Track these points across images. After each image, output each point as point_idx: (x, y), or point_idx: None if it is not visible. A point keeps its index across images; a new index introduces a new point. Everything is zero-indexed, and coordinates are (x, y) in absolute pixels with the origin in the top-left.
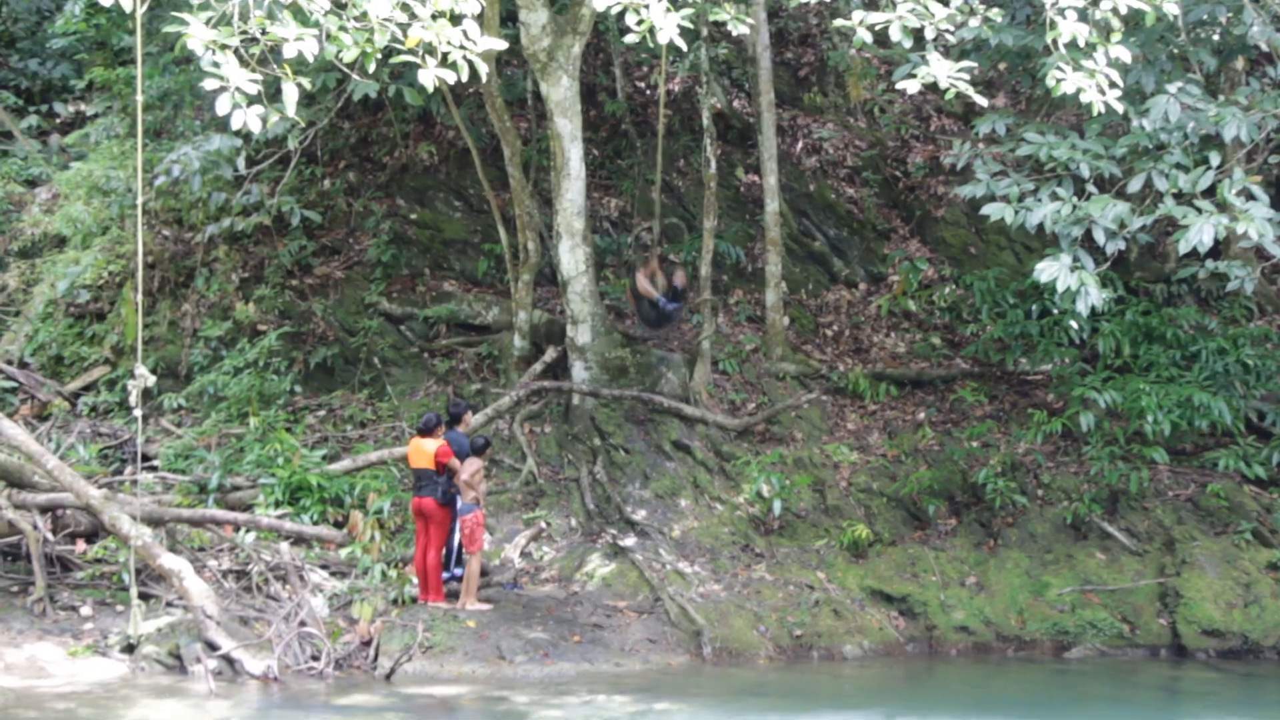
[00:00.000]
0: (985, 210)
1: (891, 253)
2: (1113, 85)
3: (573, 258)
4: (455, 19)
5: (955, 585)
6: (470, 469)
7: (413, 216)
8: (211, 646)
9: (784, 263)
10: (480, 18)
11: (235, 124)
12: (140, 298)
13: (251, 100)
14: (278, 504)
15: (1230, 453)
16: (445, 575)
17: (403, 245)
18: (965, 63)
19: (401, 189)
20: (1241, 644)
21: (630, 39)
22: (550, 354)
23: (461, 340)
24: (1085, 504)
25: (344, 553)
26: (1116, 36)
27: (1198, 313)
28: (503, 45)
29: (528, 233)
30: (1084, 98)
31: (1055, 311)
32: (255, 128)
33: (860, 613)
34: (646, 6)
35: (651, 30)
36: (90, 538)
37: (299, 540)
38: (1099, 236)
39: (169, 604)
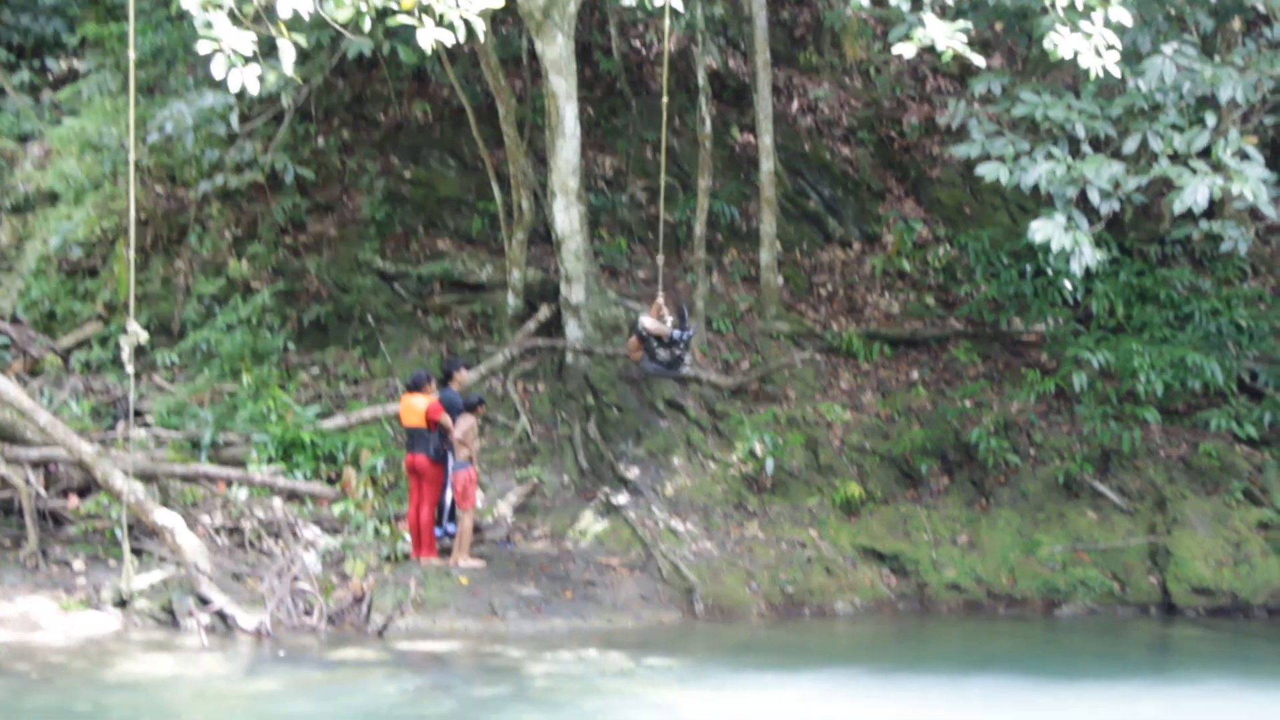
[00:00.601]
0: (980, 170)
1: (886, 213)
2: (1110, 48)
3: (567, 216)
4: None
5: (947, 543)
6: (463, 426)
7: (407, 174)
8: (204, 601)
9: (778, 222)
10: None
11: (233, 86)
12: (133, 254)
13: (247, 60)
14: (270, 460)
15: (1222, 412)
16: (438, 532)
17: (397, 203)
18: (962, 23)
19: (396, 147)
20: (1231, 602)
21: (626, 1)
22: (544, 312)
23: (455, 298)
24: (1077, 463)
25: (337, 509)
26: None
27: (1191, 273)
28: (499, 3)
29: (522, 191)
30: (1082, 61)
31: (1049, 272)
32: (253, 88)
33: (852, 570)
34: None
35: None
36: (83, 493)
37: (292, 496)
38: (1093, 197)
39: (162, 559)
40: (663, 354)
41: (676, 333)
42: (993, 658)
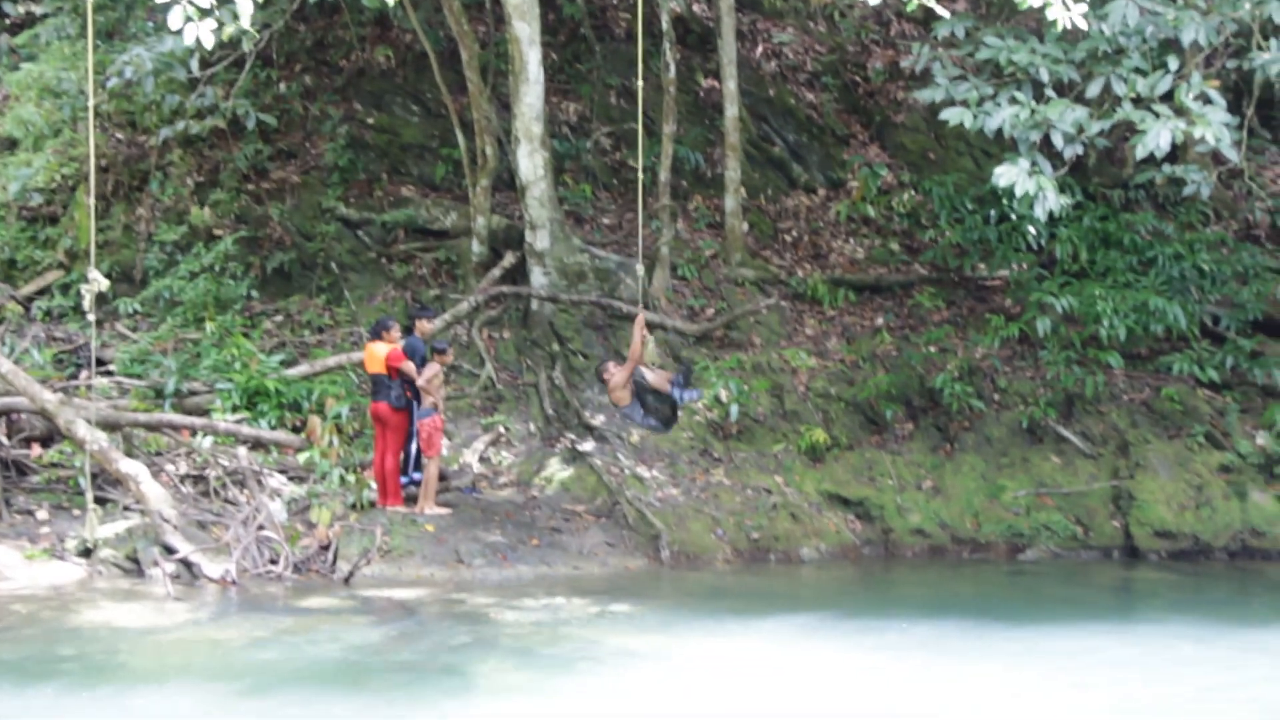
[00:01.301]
0: (944, 115)
1: (851, 158)
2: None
3: (531, 163)
4: None
5: (911, 489)
6: (428, 374)
7: (370, 121)
8: (169, 550)
9: (743, 168)
10: None
11: (188, 39)
12: (93, 201)
13: (204, 13)
14: (235, 409)
15: (1184, 357)
16: (404, 480)
17: (360, 150)
18: None
19: (358, 93)
20: (1193, 545)
21: None
22: (509, 259)
23: (419, 245)
24: (1041, 408)
25: (302, 458)
26: None
27: (1155, 218)
28: None
29: (486, 137)
30: (1050, 14)
31: (1013, 217)
32: (208, 42)
33: (817, 516)
34: None
35: None
36: (46, 442)
37: (257, 445)
38: (1057, 141)
39: (126, 508)
40: (661, 410)
41: (681, 393)
42: (957, 602)
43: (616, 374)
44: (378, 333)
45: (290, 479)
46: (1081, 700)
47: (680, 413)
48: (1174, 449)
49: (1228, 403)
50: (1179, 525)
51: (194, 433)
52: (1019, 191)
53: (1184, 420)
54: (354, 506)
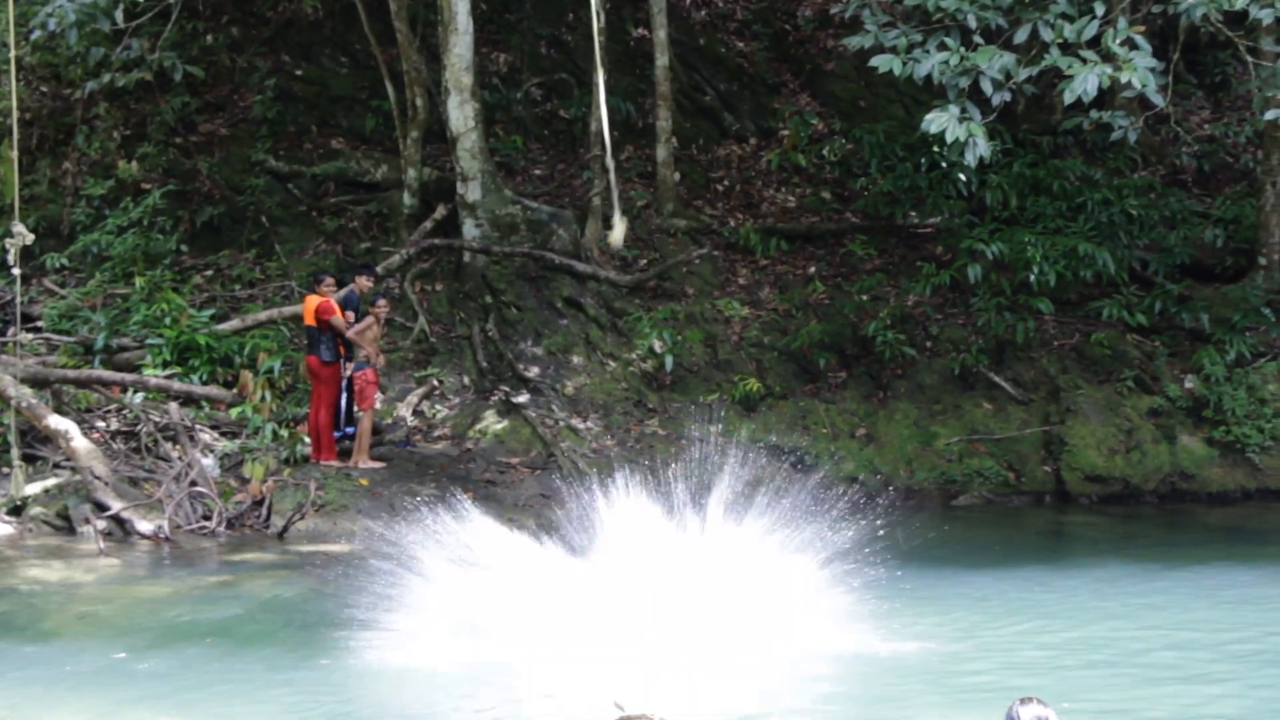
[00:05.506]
0: (873, 61)
1: (782, 107)
2: None
3: (461, 113)
4: None
5: (845, 437)
6: (360, 326)
7: (298, 72)
8: (101, 507)
9: (674, 118)
10: None
11: None
12: (17, 155)
13: None
14: (165, 364)
15: (1114, 302)
16: (338, 434)
17: (289, 102)
18: None
19: (286, 44)
20: (1123, 489)
21: None
22: (440, 211)
23: (350, 198)
24: (973, 355)
25: (234, 413)
26: None
27: (1083, 164)
28: None
29: (415, 89)
30: None
31: (944, 164)
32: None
33: (752, 466)
34: None
35: None
36: None
37: (188, 400)
38: (986, 87)
39: (56, 465)
40: None
41: None
42: (890, 548)
43: None
44: (313, 285)
45: (223, 434)
46: (1011, 643)
47: None
48: (1104, 394)
49: (1156, 347)
50: (1109, 469)
51: (124, 389)
52: (949, 138)
53: (1113, 365)
54: (287, 461)
